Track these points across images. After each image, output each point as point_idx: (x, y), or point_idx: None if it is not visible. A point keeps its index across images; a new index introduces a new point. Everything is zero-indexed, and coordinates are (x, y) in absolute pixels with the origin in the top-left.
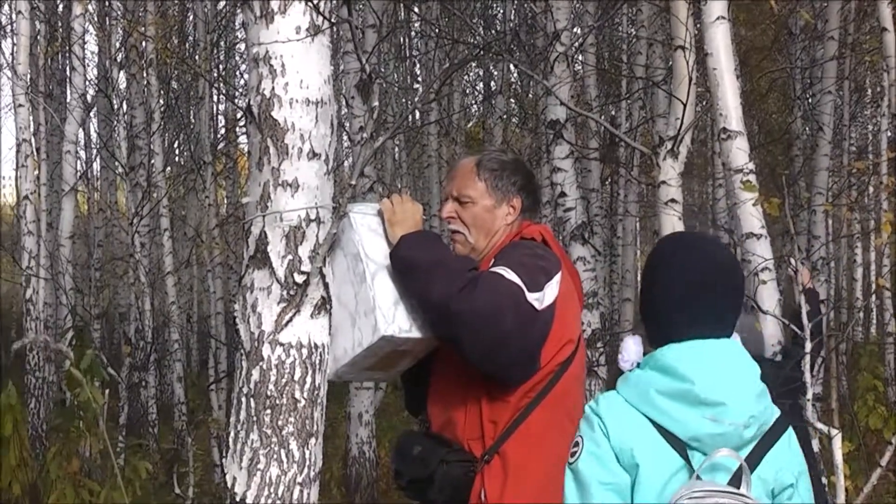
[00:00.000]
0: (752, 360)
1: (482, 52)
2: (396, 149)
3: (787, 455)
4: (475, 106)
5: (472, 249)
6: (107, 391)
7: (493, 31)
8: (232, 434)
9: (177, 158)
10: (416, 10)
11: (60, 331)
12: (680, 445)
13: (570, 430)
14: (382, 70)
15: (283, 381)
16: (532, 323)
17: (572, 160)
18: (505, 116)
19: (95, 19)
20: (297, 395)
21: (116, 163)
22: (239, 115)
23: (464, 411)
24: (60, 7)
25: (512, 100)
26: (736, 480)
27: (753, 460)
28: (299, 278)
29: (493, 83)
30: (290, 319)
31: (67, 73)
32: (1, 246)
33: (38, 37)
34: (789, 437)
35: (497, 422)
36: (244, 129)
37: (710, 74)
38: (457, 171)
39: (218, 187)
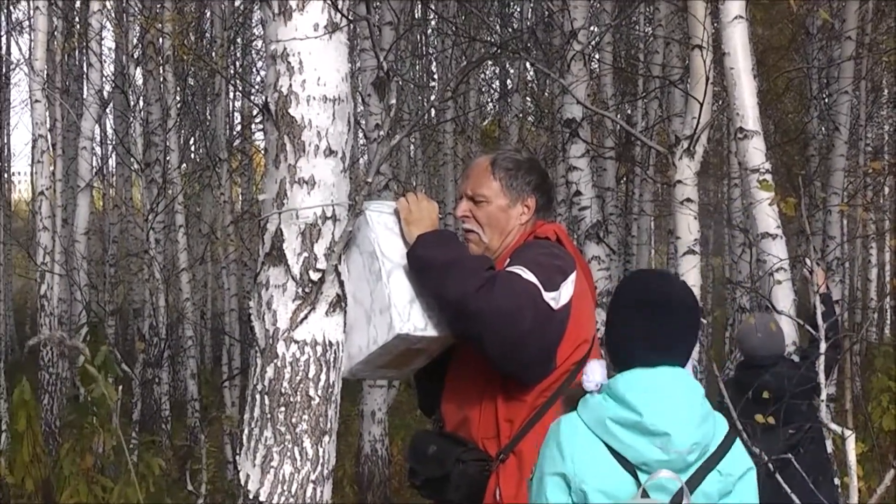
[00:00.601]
0: (696, 387)
1: (499, 51)
2: (412, 146)
3: (733, 463)
4: (491, 104)
5: (487, 248)
6: (120, 387)
7: (510, 30)
8: (246, 431)
9: (192, 155)
10: (433, 7)
11: (75, 327)
12: (630, 468)
13: None
14: (399, 68)
15: (298, 378)
16: (549, 322)
17: (588, 159)
18: (521, 115)
19: (113, 15)
20: (312, 392)
21: (132, 159)
22: (255, 112)
23: (479, 410)
24: (78, 3)
25: (528, 98)
26: (678, 498)
27: (696, 479)
28: (315, 276)
29: (509, 81)
30: (305, 317)
31: (84, 69)
32: (16, 241)
33: (56, 33)
34: (736, 446)
35: (513, 421)
36: (260, 126)
37: (727, 74)
38: (472, 171)
39: (233, 184)
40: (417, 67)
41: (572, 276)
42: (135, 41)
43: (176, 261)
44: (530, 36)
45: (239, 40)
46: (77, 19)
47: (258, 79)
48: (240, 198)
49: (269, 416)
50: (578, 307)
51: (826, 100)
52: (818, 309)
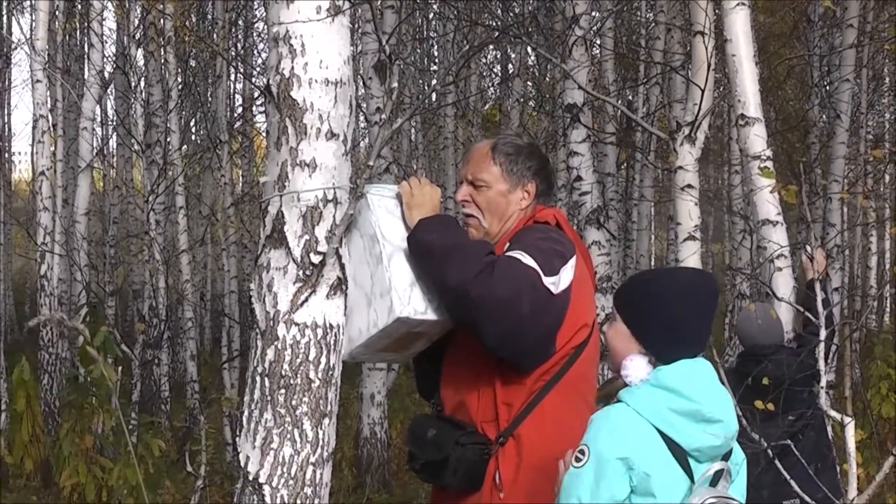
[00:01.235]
0: None
1: (500, 35)
2: (413, 130)
3: (738, 452)
4: (492, 88)
5: (486, 233)
6: (120, 368)
7: (512, 14)
8: (245, 413)
9: (193, 137)
10: None
11: (74, 307)
12: (681, 454)
13: (586, 413)
14: (400, 51)
15: (298, 360)
16: (548, 307)
17: (589, 144)
18: (522, 100)
19: None
20: (312, 375)
21: (133, 140)
22: (256, 95)
23: (477, 394)
24: None
25: (529, 83)
26: (715, 481)
27: (725, 459)
28: (315, 258)
29: (510, 66)
30: (306, 299)
31: (85, 49)
32: (16, 221)
33: (57, 13)
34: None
35: (511, 404)
36: (261, 109)
37: (728, 60)
38: (472, 155)
39: (234, 166)
40: (419, 51)
41: (572, 261)
42: (136, 22)
43: (176, 242)
44: (532, 20)
45: (240, 22)
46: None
47: (259, 61)
48: (240, 180)
49: (269, 398)
50: (578, 292)
51: (827, 87)
52: (818, 295)
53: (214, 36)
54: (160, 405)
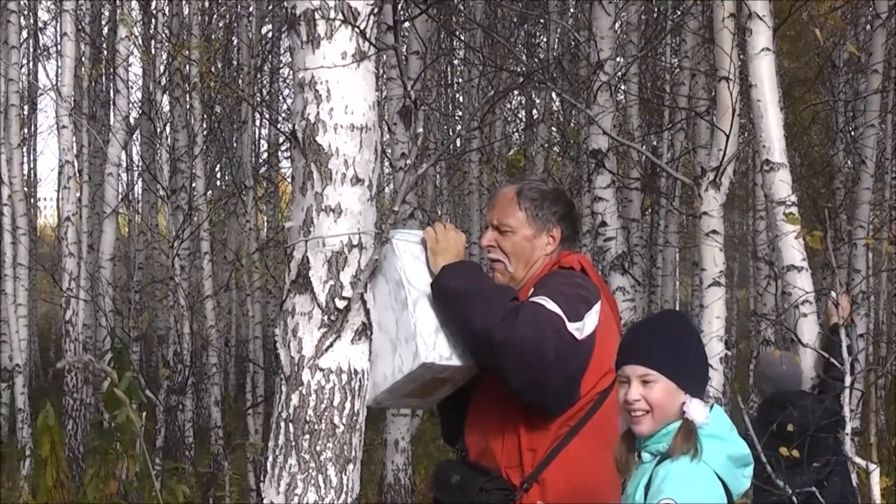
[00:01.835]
0: None
1: (525, 80)
2: (438, 175)
3: None
4: (517, 134)
5: (512, 278)
6: (144, 414)
7: (537, 60)
8: (270, 458)
9: (218, 182)
10: (460, 37)
11: (99, 352)
12: (730, 502)
13: (610, 459)
14: (425, 97)
15: (323, 406)
16: (573, 352)
17: (613, 189)
18: (547, 145)
19: (140, 42)
20: (336, 420)
21: (158, 185)
22: (281, 140)
23: (502, 439)
24: (106, 29)
25: (554, 128)
26: None
27: None
28: (340, 304)
29: (535, 111)
30: (331, 345)
31: (111, 95)
32: (42, 267)
33: (83, 59)
34: None
35: (536, 450)
36: (286, 154)
37: (753, 106)
38: (497, 200)
39: (259, 212)
40: (444, 97)
41: (597, 306)
42: (162, 68)
43: (201, 287)
44: (557, 66)
45: (266, 68)
46: (104, 45)
47: (285, 106)
48: (265, 225)
49: (293, 443)
50: (603, 337)
51: (852, 133)
52: (843, 341)
53: (240, 81)
54: (184, 451)
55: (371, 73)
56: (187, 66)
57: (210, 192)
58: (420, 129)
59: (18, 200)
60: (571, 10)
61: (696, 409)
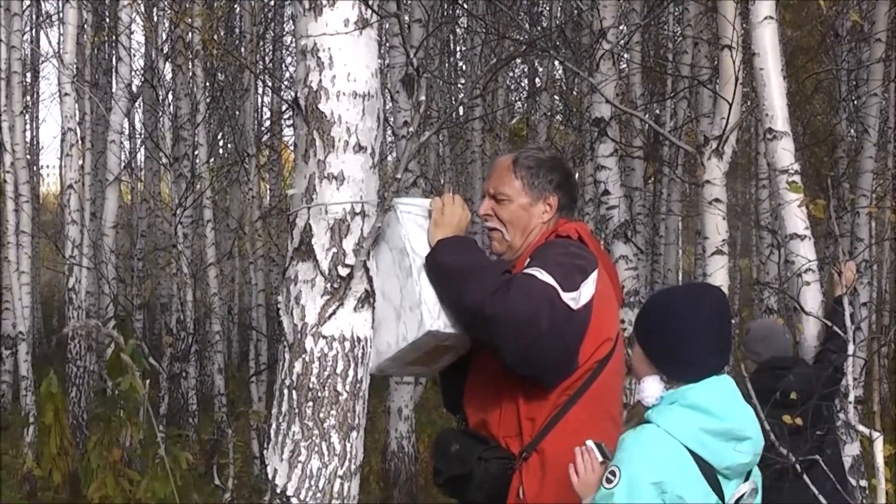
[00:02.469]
0: None
1: (528, 49)
2: (440, 144)
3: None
4: (520, 102)
5: (509, 247)
6: (147, 381)
7: (539, 28)
8: (273, 426)
9: (221, 150)
10: (462, 5)
11: (102, 320)
12: (711, 474)
13: (610, 427)
14: (428, 65)
15: (326, 373)
16: (568, 323)
17: (616, 158)
18: (549, 113)
19: (142, 10)
20: (340, 387)
21: (161, 153)
22: (284, 108)
23: (500, 409)
24: None
25: (556, 97)
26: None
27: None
28: (343, 271)
29: (537, 80)
30: (334, 312)
31: (113, 63)
32: (44, 234)
33: (85, 26)
34: None
35: (535, 419)
36: (288, 122)
37: (756, 74)
38: (494, 169)
39: (261, 179)
40: (446, 65)
41: (593, 275)
42: (164, 36)
43: (204, 255)
44: (559, 34)
45: (268, 35)
46: (107, 13)
47: (287, 74)
48: (268, 193)
49: (296, 410)
50: (601, 306)
51: (855, 102)
52: (846, 310)
53: (242, 49)
54: (188, 418)
55: (373, 41)
56: (190, 34)
57: (213, 160)
58: (422, 98)
59: (21, 168)
60: None
61: (646, 386)
